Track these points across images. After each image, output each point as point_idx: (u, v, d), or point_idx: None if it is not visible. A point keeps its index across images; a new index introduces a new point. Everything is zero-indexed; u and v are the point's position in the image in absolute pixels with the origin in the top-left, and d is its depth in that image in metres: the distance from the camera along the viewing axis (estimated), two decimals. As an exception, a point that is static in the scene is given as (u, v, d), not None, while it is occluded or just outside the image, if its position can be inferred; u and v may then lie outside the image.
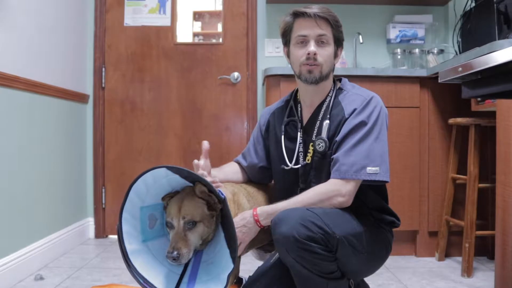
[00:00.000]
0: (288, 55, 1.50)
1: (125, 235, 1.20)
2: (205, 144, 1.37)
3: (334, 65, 1.47)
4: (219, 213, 1.27)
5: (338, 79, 1.54)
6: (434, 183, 2.56)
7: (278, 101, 1.66)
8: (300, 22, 1.41)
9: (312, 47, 1.39)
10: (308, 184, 1.42)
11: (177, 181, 1.26)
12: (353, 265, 1.33)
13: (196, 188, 1.24)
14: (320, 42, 1.40)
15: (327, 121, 1.42)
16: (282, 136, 1.51)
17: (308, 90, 1.47)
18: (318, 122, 1.44)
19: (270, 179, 1.64)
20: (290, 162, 1.47)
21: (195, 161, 1.36)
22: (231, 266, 1.17)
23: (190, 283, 1.22)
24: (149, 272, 1.22)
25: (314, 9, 1.40)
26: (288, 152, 1.48)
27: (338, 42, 1.45)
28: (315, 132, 1.44)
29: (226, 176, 1.55)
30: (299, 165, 1.45)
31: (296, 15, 1.42)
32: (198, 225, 1.22)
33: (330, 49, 1.42)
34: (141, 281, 1.19)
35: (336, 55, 1.46)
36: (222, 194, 1.21)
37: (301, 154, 1.46)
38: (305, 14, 1.39)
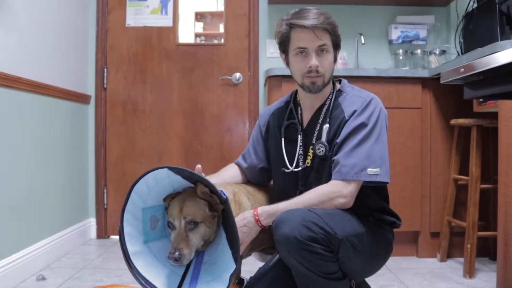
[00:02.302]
0: (287, 62, 1.48)
1: (126, 236, 1.20)
2: (198, 167, 1.32)
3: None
4: (221, 213, 1.27)
5: (337, 80, 1.54)
6: (436, 184, 2.56)
7: (277, 102, 1.65)
8: (298, 33, 1.38)
9: (313, 60, 1.37)
10: (308, 186, 1.42)
11: (179, 182, 1.26)
12: (354, 266, 1.33)
13: (198, 188, 1.24)
14: (319, 51, 1.38)
15: (327, 125, 1.42)
16: (282, 139, 1.51)
17: (308, 95, 1.46)
18: (318, 126, 1.44)
19: (270, 181, 1.64)
20: (291, 165, 1.47)
21: (199, 166, 1.33)
22: (233, 266, 1.17)
23: (192, 283, 1.22)
24: (150, 273, 1.21)
25: (311, 19, 1.35)
26: (289, 155, 1.48)
27: (337, 46, 1.44)
28: (315, 135, 1.44)
29: (224, 182, 1.54)
30: (300, 168, 1.45)
31: (293, 26, 1.38)
32: (200, 226, 1.22)
33: (330, 57, 1.41)
34: (143, 282, 1.19)
35: (335, 59, 1.45)
36: (225, 194, 1.21)
37: (301, 157, 1.46)
38: (303, 27, 1.35)
